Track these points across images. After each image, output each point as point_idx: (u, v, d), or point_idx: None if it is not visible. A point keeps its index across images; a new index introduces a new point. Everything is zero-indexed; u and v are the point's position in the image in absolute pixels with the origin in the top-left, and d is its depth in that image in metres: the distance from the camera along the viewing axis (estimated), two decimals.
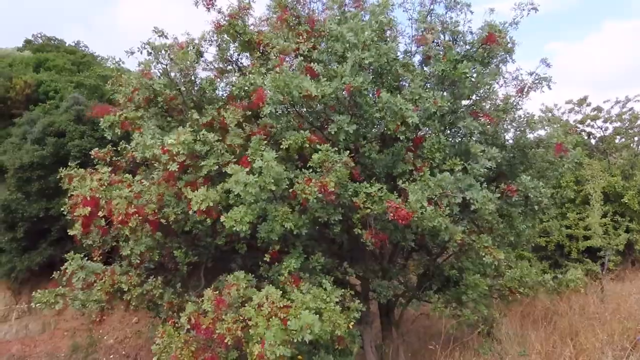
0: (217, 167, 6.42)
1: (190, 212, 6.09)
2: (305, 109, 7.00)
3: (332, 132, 6.43)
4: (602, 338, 8.01)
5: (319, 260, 6.91)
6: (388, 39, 7.96)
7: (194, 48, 8.03)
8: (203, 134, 6.49)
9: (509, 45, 7.73)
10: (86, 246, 7.83)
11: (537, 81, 8.60)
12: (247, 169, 5.77)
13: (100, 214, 6.79)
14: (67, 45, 26.53)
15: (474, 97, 8.56)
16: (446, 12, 8.52)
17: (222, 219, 5.76)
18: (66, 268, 7.07)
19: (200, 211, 5.85)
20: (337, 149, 6.33)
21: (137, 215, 6.51)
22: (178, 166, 6.27)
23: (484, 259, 6.93)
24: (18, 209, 13.43)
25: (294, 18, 8.12)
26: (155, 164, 7.20)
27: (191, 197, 5.94)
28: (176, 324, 6.39)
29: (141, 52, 7.68)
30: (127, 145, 8.87)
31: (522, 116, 9.17)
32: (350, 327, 6.14)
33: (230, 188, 5.69)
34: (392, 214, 5.77)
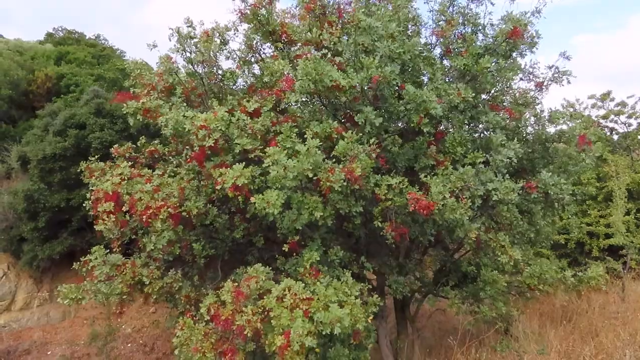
0: (247, 149, 6.37)
1: (219, 187, 5.98)
2: (329, 101, 6.93)
3: (359, 123, 6.35)
4: (623, 338, 7.86)
5: (337, 254, 6.89)
6: (410, 33, 7.87)
7: (219, 35, 8.10)
8: (238, 115, 6.45)
9: (535, 39, 7.58)
10: (106, 237, 7.95)
11: (556, 75, 8.45)
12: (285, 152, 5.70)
13: (123, 208, 6.84)
14: (87, 38, 26.88)
15: (493, 91, 8.43)
16: (467, 4, 8.39)
17: (253, 199, 5.67)
18: (88, 259, 7.18)
19: (235, 186, 5.71)
20: (360, 140, 6.27)
21: (165, 207, 6.51)
22: (214, 142, 6.20)
23: (499, 258, 6.84)
24: (40, 199, 13.72)
25: (320, 8, 8.05)
26: (180, 149, 7.19)
27: (220, 175, 5.84)
28: (194, 317, 6.45)
29: (170, 39, 7.87)
30: (146, 142, 9.00)
31: (544, 110, 9.03)
32: (369, 321, 6.13)
33: (268, 169, 5.58)
34: (413, 205, 5.72)
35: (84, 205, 7.84)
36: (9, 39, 25.82)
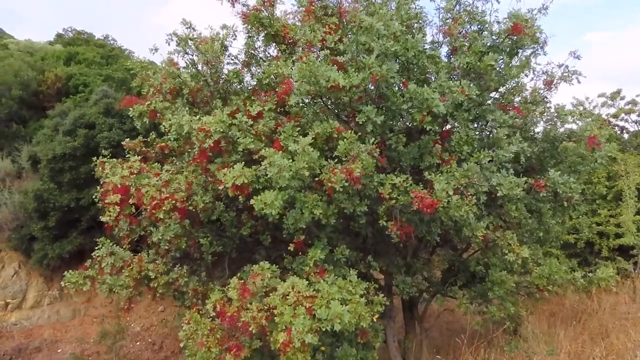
0: (251, 149, 6.38)
1: (221, 187, 5.99)
2: (331, 101, 6.92)
3: (360, 123, 6.32)
4: (635, 339, 7.75)
5: (343, 253, 6.88)
6: (414, 31, 7.83)
7: (219, 41, 8.09)
8: (239, 118, 6.48)
9: (537, 35, 7.50)
10: (115, 235, 8.02)
11: (566, 74, 8.37)
12: (281, 152, 5.70)
13: (130, 201, 6.91)
14: (96, 39, 27.10)
15: (501, 89, 8.36)
16: (473, 2, 8.33)
17: (252, 201, 5.68)
18: (97, 255, 7.25)
19: (235, 186, 5.73)
20: (362, 139, 6.25)
21: (170, 199, 6.57)
22: (212, 143, 6.23)
23: (506, 256, 6.78)
24: (50, 198, 13.86)
25: (320, 9, 8.05)
26: (187, 149, 7.22)
27: (223, 175, 5.87)
28: (200, 311, 6.48)
29: (169, 43, 7.81)
30: (156, 137, 9.06)
31: (553, 108, 8.93)
32: (375, 320, 6.11)
33: (265, 170, 5.59)
34: (417, 204, 5.69)
35: (94, 199, 7.91)
36: (19, 40, 26.12)
